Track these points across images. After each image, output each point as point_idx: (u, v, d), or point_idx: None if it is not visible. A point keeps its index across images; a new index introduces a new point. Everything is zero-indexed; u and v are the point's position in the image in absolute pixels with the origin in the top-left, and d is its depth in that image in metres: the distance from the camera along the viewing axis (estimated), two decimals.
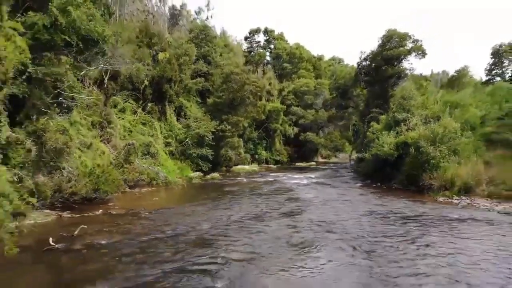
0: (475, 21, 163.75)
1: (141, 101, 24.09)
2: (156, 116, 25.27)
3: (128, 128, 21.64)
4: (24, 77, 9.18)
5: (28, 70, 9.20)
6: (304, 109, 42.37)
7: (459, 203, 13.42)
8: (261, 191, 17.09)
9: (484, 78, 41.38)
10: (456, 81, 46.71)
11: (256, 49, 48.43)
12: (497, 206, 12.59)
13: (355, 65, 37.19)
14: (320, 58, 60.54)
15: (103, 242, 8.17)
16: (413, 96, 22.41)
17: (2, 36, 7.78)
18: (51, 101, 11.07)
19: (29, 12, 10.33)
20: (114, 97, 21.64)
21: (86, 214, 11.28)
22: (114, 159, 16.65)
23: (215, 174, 24.88)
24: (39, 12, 10.57)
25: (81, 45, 10.37)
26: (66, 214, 11.18)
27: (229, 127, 28.23)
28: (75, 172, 11.55)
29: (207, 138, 25.99)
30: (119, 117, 21.38)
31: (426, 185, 15.87)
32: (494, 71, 40.75)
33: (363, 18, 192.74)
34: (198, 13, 52.41)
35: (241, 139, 31.58)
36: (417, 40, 31.24)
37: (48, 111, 10.64)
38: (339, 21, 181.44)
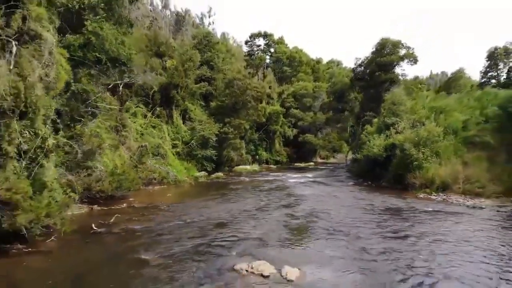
0: (475, 21, 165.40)
1: (150, 106, 25.98)
2: (164, 120, 27.15)
3: (140, 131, 23.52)
4: (68, 93, 11.06)
5: (72, 88, 11.07)
6: (303, 112, 44.24)
7: (436, 198, 15.33)
8: (263, 188, 19.03)
9: (480, 81, 42.52)
10: (453, 83, 48.31)
11: (256, 52, 50.30)
12: (468, 201, 14.50)
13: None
14: (318, 61, 62.50)
15: (135, 227, 10.07)
16: (402, 102, 24.27)
17: (56, 61, 9.63)
18: (83, 110, 12.95)
19: (66, 35, 12.20)
20: (127, 102, 23.52)
21: (112, 207, 13.16)
22: (129, 160, 18.55)
23: (220, 174, 26.72)
24: (74, 34, 12.46)
25: (108, 63, 12.27)
26: (95, 208, 13.07)
27: (232, 129, 30.06)
28: (103, 171, 13.41)
29: (211, 140, 27.85)
30: (132, 121, 23.27)
31: (410, 183, 17.72)
32: (489, 74, 42.36)
33: (363, 19, 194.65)
34: (201, 19, 54.19)
35: (242, 141, 33.36)
36: (409, 47, 33.25)
37: (82, 119, 12.53)
38: (339, 21, 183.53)
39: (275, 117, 40.08)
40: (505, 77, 38.36)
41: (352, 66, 38.66)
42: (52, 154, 8.90)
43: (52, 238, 8.73)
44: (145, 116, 25.25)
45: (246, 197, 15.94)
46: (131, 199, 15.04)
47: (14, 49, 7.74)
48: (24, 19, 8.29)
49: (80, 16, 12.35)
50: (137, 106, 24.92)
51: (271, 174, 28.54)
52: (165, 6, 72.05)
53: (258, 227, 10.09)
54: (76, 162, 13.01)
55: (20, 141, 8.20)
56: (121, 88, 22.06)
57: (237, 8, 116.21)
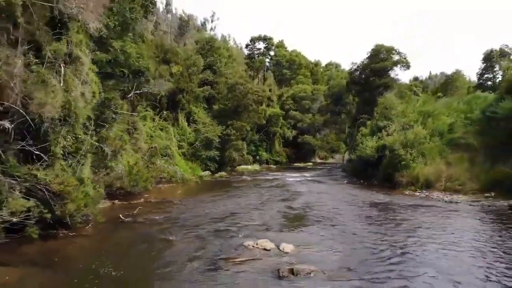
0: (475, 23, 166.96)
1: (158, 109, 27.75)
2: (170, 122, 28.92)
3: (150, 134, 25.28)
4: (98, 102, 12.79)
5: (100, 97, 12.81)
6: (302, 113, 46.02)
7: (419, 195, 17.10)
8: (264, 186, 20.85)
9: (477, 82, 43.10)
10: (450, 84, 49.77)
11: (257, 55, 52.06)
12: (446, 197, 16.26)
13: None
14: (317, 64, 64.27)
15: (156, 217, 11.84)
16: (393, 106, 26.04)
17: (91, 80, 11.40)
18: (106, 116, 14.70)
19: (95, 52, 13.98)
20: (138, 107, 25.28)
21: (132, 202, 14.92)
22: (141, 160, 20.31)
23: (223, 173, 28.49)
24: (102, 52, 14.26)
25: (130, 76, 14.04)
26: (117, 202, 14.83)
27: (234, 131, 31.78)
28: (123, 170, 15.16)
29: (214, 142, 29.59)
30: (142, 124, 25.03)
31: (398, 181, 19.47)
32: (485, 75, 43.76)
33: (364, 20, 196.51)
34: (203, 24, 55.86)
35: (244, 142, 35.04)
36: (401, 53, 35.04)
37: (106, 124, 14.29)
38: (340, 22, 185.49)
39: (275, 119, 41.83)
40: (500, 79, 38.90)
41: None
42: (89, 154, 10.64)
43: (90, 225, 10.49)
44: (154, 120, 27.02)
45: (249, 193, 17.75)
46: (146, 195, 16.80)
47: (63, 70, 9.49)
48: (67, 44, 10.05)
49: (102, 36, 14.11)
50: (146, 110, 26.70)
51: (271, 173, 30.34)
52: (167, 10, 73.77)
53: (261, 216, 11.90)
54: (99, 162, 14.77)
55: (64, 145, 9.98)
56: (132, 94, 23.92)
57: (237, 9, 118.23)
